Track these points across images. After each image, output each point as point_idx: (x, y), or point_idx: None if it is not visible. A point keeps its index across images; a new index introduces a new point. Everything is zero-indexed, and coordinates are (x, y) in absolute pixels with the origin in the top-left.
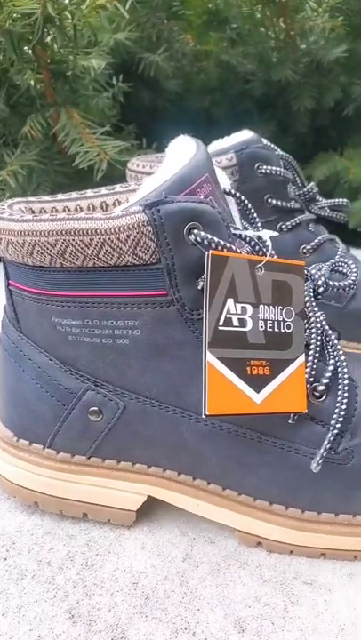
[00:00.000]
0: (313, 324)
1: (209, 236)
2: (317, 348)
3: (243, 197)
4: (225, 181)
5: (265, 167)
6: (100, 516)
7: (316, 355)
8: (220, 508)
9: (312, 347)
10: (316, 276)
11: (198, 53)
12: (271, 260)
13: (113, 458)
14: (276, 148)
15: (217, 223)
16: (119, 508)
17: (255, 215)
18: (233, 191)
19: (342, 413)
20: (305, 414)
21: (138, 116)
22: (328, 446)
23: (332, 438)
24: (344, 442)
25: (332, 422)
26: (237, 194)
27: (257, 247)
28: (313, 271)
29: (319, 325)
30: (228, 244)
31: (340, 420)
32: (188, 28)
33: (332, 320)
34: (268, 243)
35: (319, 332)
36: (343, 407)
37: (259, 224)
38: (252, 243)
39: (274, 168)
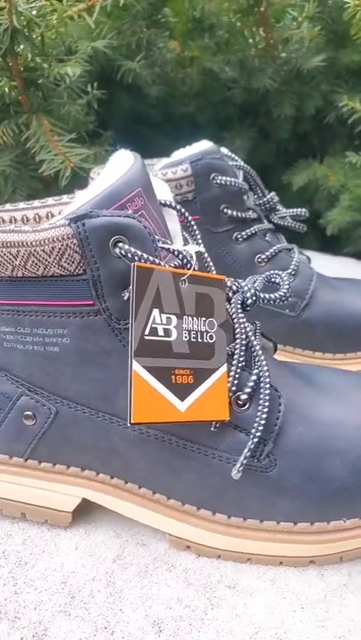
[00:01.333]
0: (238, 335)
1: (133, 250)
2: (241, 359)
3: (184, 211)
4: (167, 195)
5: (220, 178)
6: (38, 517)
7: (240, 364)
8: (151, 511)
9: (236, 357)
10: (245, 289)
11: (182, 60)
12: (194, 273)
13: (48, 460)
14: (237, 158)
15: (142, 237)
16: (55, 509)
17: (195, 228)
18: (174, 204)
19: (263, 422)
20: (229, 422)
21: (119, 122)
22: (248, 454)
23: (252, 446)
24: (266, 450)
25: (253, 431)
26: (178, 207)
27: (185, 260)
28: (243, 283)
29: (244, 336)
30: (151, 258)
31: (261, 428)
32: (173, 34)
33: (286, 329)
34: (193, 257)
35: (244, 342)
36: (264, 416)
37: (198, 236)
38: (180, 256)
39: (229, 179)
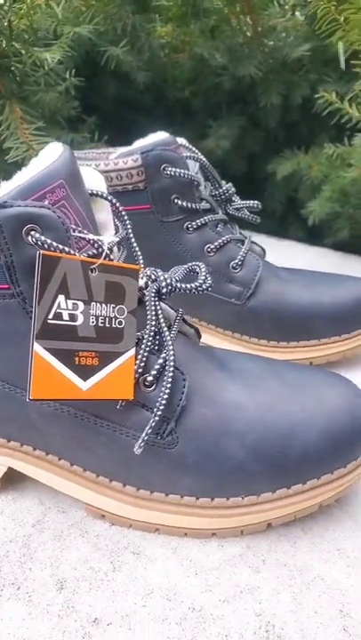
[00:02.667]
0: (148, 321)
1: (43, 238)
2: (149, 343)
3: (115, 201)
4: (99, 185)
5: (171, 169)
6: None
7: (147, 349)
8: (70, 482)
9: (144, 341)
10: (161, 278)
11: (174, 45)
12: (106, 263)
13: None
14: (194, 149)
15: (56, 226)
16: None
17: (126, 218)
18: (105, 194)
19: (164, 402)
20: (136, 401)
21: (106, 108)
22: (150, 431)
23: (153, 424)
24: (169, 428)
25: (155, 409)
26: (110, 197)
27: (100, 250)
28: (160, 273)
29: (154, 322)
30: (60, 246)
31: (162, 407)
32: (167, 19)
33: (232, 316)
34: (105, 246)
35: (153, 328)
36: (165, 396)
37: (129, 226)
38: (96, 245)
39: (179, 170)
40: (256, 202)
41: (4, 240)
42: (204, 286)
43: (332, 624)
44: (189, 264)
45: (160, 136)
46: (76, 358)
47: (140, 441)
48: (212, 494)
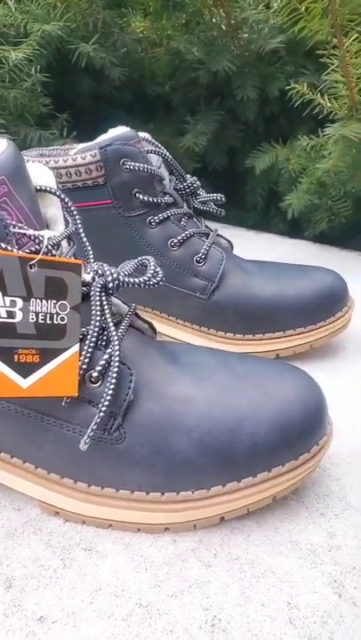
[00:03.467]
0: (93, 317)
1: None
2: (93, 339)
3: (64, 197)
4: (48, 180)
5: (130, 163)
6: None
7: (92, 345)
8: (23, 479)
9: (89, 337)
10: (108, 273)
11: (151, 40)
12: (46, 258)
13: None
14: (157, 144)
15: None
16: None
17: (75, 213)
18: (53, 189)
19: (109, 397)
20: (83, 398)
21: (82, 105)
22: (95, 427)
23: (98, 420)
24: (116, 423)
25: (100, 405)
26: (58, 192)
27: (41, 245)
28: (105, 268)
29: (99, 318)
30: None
31: (107, 403)
32: (144, 14)
33: (198, 310)
34: (44, 242)
35: (97, 324)
36: (110, 392)
37: (79, 221)
38: (37, 241)
39: (139, 164)
40: (220, 195)
41: None
42: (153, 280)
43: (279, 616)
44: (140, 258)
45: (121, 130)
46: (16, 356)
47: (85, 437)
48: (161, 489)
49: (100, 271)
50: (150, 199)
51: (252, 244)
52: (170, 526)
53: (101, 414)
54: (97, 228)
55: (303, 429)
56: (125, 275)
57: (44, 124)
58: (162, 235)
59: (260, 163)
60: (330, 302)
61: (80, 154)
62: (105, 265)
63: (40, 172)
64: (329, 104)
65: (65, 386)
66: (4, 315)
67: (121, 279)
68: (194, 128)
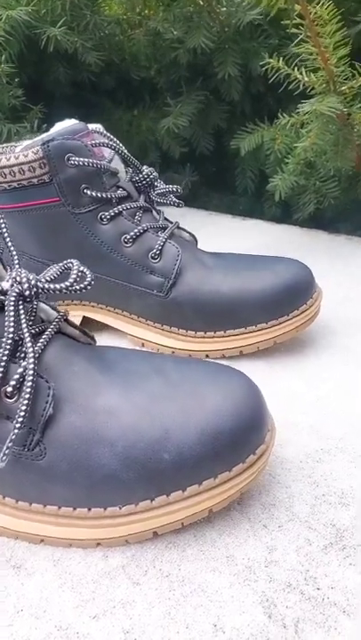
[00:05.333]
0: (6, 329)
1: None
2: (7, 352)
3: None
4: None
5: (75, 159)
6: None
7: (4, 358)
8: None
9: (1, 350)
10: (24, 280)
11: (130, 21)
12: None
13: None
14: (109, 135)
15: None
16: None
17: (4, 230)
18: None
19: (22, 413)
20: (0, 412)
21: (61, 93)
22: (10, 444)
23: (13, 437)
24: (35, 439)
25: (13, 422)
26: None
27: None
28: (23, 275)
29: (13, 329)
30: None
31: (20, 420)
32: None
33: (157, 308)
34: None
35: (11, 336)
36: (24, 407)
37: (2, 224)
38: None
39: (84, 159)
40: (177, 186)
41: None
42: (77, 285)
43: None
44: (64, 262)
45: (68, 124)
46: None
47: (1, 454)
48: (87, 504)
49: (17, 278)
50: (99, 194)
51: (236, 233)
52: (101, 541)
53: (16, 431)
54: (47, 227)
55: (235, 439)
56: (47, 281)
57: (16, 117)
58: (114, 231)
59: (246, 144)
60: (293, 296)
61: (23, 151)
62: (24, 272)
63: None
64: (306, 78)
65: None
66: None
67: (40, 285)
68: (175, 110)
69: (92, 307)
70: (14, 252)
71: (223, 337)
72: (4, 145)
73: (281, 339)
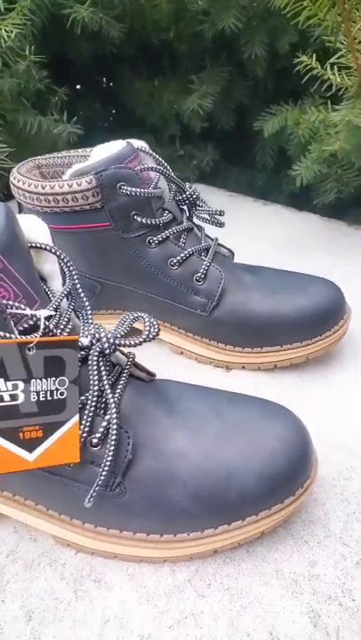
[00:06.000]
0: (91, 386)
1: None
2: (92, 408)
3: (60, 252)
4: (42, 235)
5: (126, 188)
6: None
7: (91, 413)
8: (37, 518)
9: (87, 406)
10: (104, 339)
11: None
12: (43, 340)
13: None
14: (155, 155)
15: None
16: None
17: (72, 268)
18: (49, 247)
19: (108, 462)
20: (86, 458)
21: (81, 71)
22: (97, 488)
23: (100, 482)
24: (116, 481)
25: (100, 470)
26: (53, 249)
27: (38, 323)
28: (102, 333)
29: (96, 387)
30: None
31: (107, 468)
32: None
33: (200, 325)
34: (41, 323)
35: (95, 392)
36: (110, 457)
37: (75, 275)
38: (35, 319)
39: (135, 189)
40: (220, 210)
41: None
42: (148, 339)
43: None
44: (134, 314)
45: (118, 146)
46: (21, 434)
47: (89, 496)
48: (160, 533)
49: (97, 335)
50: (149, 221)
51: (257, 219)
52: (168, 559)
53: (102, 477)
54: (96, 249)
55: (287, 479)
56: (121, 337)
57: (42, 99)
58: (161, 254)
59: (270, 126)
60: (325, 317)
61: (75, 179)
62: (101, 328)
63: (33, 226)
64: (339, 79)
65: (67, 454)
66: (8, 398)
67: (118, 343)
68: (199, 88)
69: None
70: (87, 304)
71: (260, 352)
72: (57, 155)
73: (313, 355)
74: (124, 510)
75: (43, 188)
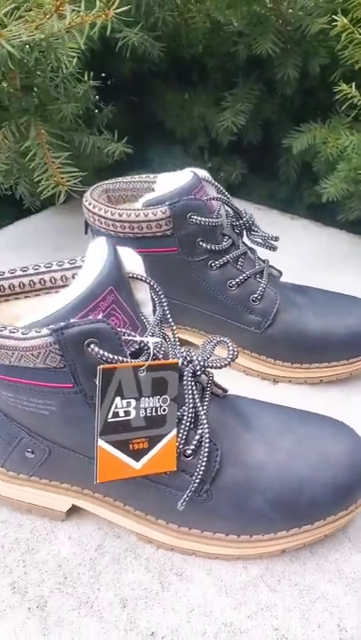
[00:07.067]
0: (187, 403)
1: (101, 352)
2: (188, 422)
3: (153, 283)
4: (137, 266)
5: (196, 217)
6: (41, 514)
7: (187, 427)
8: (123, 517)
9: (184, 420)
10: (195, 362)
11: (186, 3)
12: (152, 363)
13: (46, 478)
14: (217, 184)
15: (110, 337)
16: (53, 509)
17: (163, 298)
18: (144, 278)
19: (201, 472)
20: (179, 467)
21: (122, 90)
22: (190, 494)
23: (193, 488)
24: (205, 488)
25: (193, 478)
26: (148, 280)
27: (145, 348)
28: (193, 356)
29: (192, 405)
30: (115, 357)
31: (200, 476)
32: None
33: (252, 341)
34: (151, 349)
35: (191, 409)
36: (203, 468)
37: (165, 303)
38: (143, 345)
39: (204, 219)
40: (275, 236)
41: (68, 354)
42: (231, 361)
43: (332, 637)
44: (218, 339)
45: (185, 177)
46: (131, 445)
47: (182, 500)
48: (238, 534)
49: (188, 357)
50: (212, 247)
51: (286, 234)
52: (241, 556)
53: (195, 484)
54: (162, 270)
55: (353, 487)
56: (209, 359)
57: (89, 115)
58: (221, 277)
59: (298, 144)
60: None
61: (151, 209)
62: (191, 352)
63: (130, 258)
64: None
65: (166, 463)
66: (122, 414)
67: (207, 364)
68: (233, 105)
69: (193, 332)
70: (174, 327)
71: (308, 368)
72: (123, 180)
73: (357, 372)
74: (210, 514)
75: (120, 215)
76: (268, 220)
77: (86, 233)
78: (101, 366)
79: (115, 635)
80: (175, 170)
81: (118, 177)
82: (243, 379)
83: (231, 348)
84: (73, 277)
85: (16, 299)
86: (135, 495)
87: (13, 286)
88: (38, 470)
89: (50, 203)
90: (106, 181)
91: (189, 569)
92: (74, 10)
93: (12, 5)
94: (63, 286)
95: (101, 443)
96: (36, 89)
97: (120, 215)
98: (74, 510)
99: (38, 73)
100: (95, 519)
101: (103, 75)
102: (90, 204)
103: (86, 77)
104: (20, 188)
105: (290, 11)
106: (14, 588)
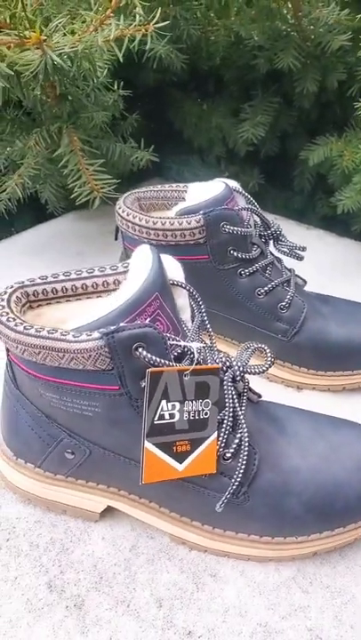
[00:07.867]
0: (227, 407)
1: (149, 356)
2: (227, 426)
3: (193, 290)
4: (177, 274)
5: (228, 227)
6: (75, 514)
7: (227, 430)
8: (158, 519)
9: (224, 424)
10: (235, 367)
11: (212, 23)
12: (196, 368)
13: (83, 479)
14: (247, 195)
15: (157, 341)
16: (88, 510)
17: (201, 304)
18: (182, 283)
19: (241, 473)
20: (218, 469)
21: (143, 99)
22: (228, 496)
23: (232, 490)
24: (242, 490)
25: (232, 481)
26: (188, 287)
27: (189, 352)
28: (232, 361)
29: (231, 409)
30: (162, 360)
31: (239, 478)
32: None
33: (278, 348)
34: (195, 354)
35: (231, 413)
36: (242, 471)
37: (203, 308)
38: (187, 350)
39: (236, 228)
40: (302, 246)
41: (117, 356)
42: (269, 367)
43: None
44: (255, 345)
45: (217, 187)
46: (174, 447)
47: (220, 502)
48: (273, 535)
49: (227, 363)
50: (243, 255)
51: (304, 244)
52: (273, 558)
53: (234, 487)
54: (192, 277)
55: None
56: (246, 364)
57: (113, 123)
58: (250, 285)
59: (315, 156)
60: None
61: (185, 218)
62: (230, 357)
63: (171, 266)
64: None
65: (207, 465)
66: (167, 417)
67: (246, 370)
68: (252, 117)
69: (219, 338)
70: (212, 333)
71: (332, 376)
72: (152, 189)
73: None
74: (246, 516)
75: (154, 223)
76: (284, 229)
77: (116, 239)
78: (150, 369)
79: (152, 633)
80: (194, 178)
81: (137, 184)
82: (267, 385)
83: (270, 354)
84: (114, 283)
85: (58, 302)
86: (172, 497)
87: (56, 290)
88: (76, 471)
89: (72, 207)
90: (137, 189)
91: (223, 570)
92: (116, 24)
93: (63, 19)
94: (105, 291)
95: (147, 444)
96: (70, 97)
97: (155, 223)
98: (107, 511)
99: (74, 82)
100: (128, 520)
101: (127, 84)
102: (123, 212)
103: (115, 87)
104: (46, 193)
105: (311, 27)
106: (51, 587)
